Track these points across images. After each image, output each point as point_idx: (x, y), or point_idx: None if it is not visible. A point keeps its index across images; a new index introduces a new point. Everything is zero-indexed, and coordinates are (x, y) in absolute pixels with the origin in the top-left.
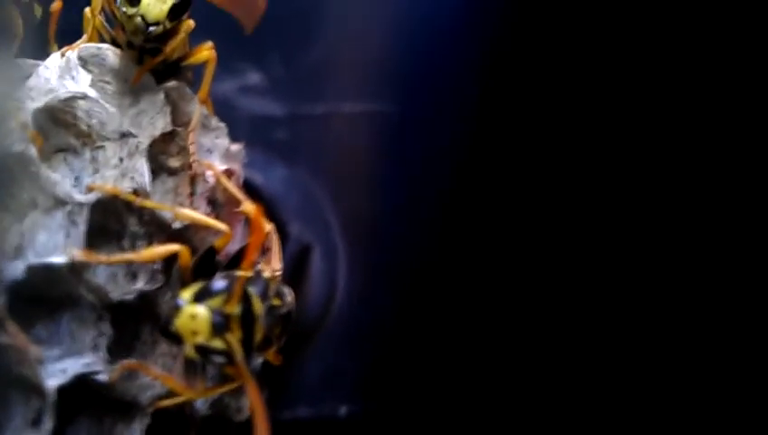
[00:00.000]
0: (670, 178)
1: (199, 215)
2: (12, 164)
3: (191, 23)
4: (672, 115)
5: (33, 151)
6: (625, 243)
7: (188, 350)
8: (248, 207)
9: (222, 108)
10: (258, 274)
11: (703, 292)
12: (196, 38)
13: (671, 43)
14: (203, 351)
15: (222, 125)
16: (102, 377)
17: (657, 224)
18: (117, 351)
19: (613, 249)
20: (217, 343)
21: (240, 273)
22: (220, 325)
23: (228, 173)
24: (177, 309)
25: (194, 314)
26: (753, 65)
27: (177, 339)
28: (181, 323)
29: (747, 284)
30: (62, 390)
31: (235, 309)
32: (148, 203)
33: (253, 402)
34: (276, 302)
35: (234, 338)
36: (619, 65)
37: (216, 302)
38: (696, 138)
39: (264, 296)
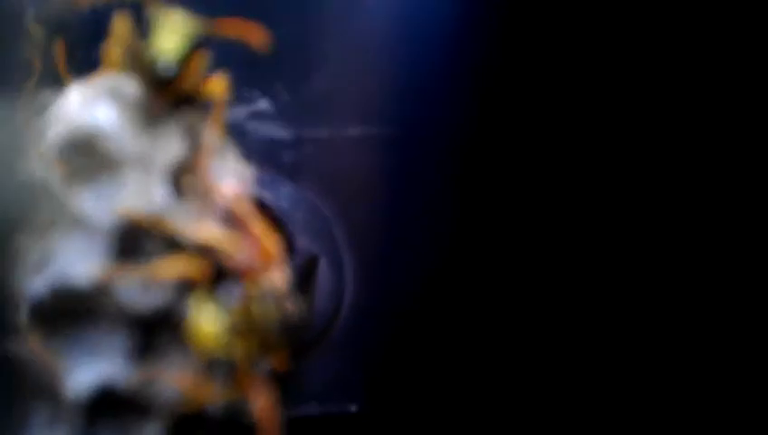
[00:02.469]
0: (670, 191)
1: (216, 235)
2: (34, 191)
3: (204, 59)
4: (668, 121)
5: (54, 178)
6: (627, 262)
7: (200, 360)
8: (257, 226)
9: (232, 133)
10: (268, 286)
11: (707, 294)
12: (209, 71)
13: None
14: (214, 359)
15: (234, 151)
16: (122, 386)
17: (655, 242)
18: (136, 360)
19: (617, 265)
20: (227, 352)
21: (248, 284)
22: (230, 336)
23: (240, 195)
24: (189, 320)
25: (204, 325)
26: (752, 65)
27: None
28: (192, 334)
29: (747, 283)
30: (83, 400)
31: (244, 320)
32: (166, 227)
33: (262, 409)
34: (284, 312)
35: (242, 347)
36: (616, 76)
37: (225, 314)
38: (687, 135)
39: (272, 307)
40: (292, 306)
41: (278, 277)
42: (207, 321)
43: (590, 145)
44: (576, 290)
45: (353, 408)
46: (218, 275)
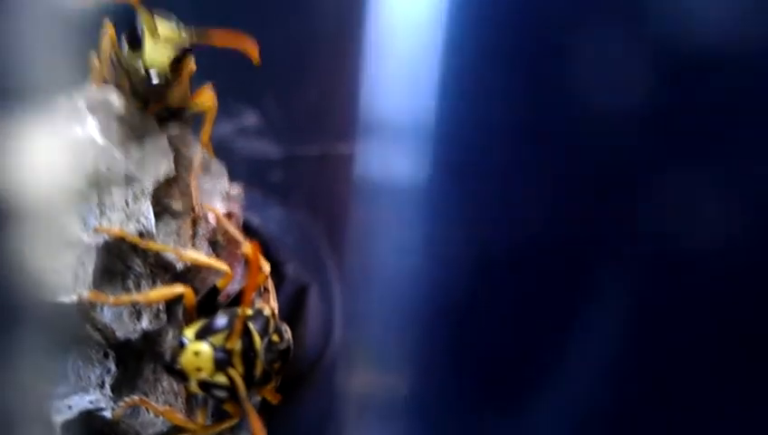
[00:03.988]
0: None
1: (202, 256)
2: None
3: (192, 65)
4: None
5: (43, 196)
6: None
7: (193, 386)
8: (247, 248)
9: (219, 149)
10: (259, 311)
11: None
12: (195, 81)
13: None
14: (206, 386)
15: (222, 168)
16: (107, 414)
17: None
18: (121, 388)
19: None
20: (220, 378)
21: (240, 310)
22: (223, 361)
23: (228, 215)
24: (181, 347)
25: (197, 350)
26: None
27: (182, 376)
28: (185, 359)
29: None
30: (68, 425)
31: (236, 345)
32: (153, 245)
33: (255, 431)
34: (275, 338)
35: (236, 373)
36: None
37: (218, 339)
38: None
39: (264, 332)
40: (284, 332)
41: (269, 301)
42: (197, 347)
43: (592, 153)
44: (581, 306)
45: None
46: (209, 300)
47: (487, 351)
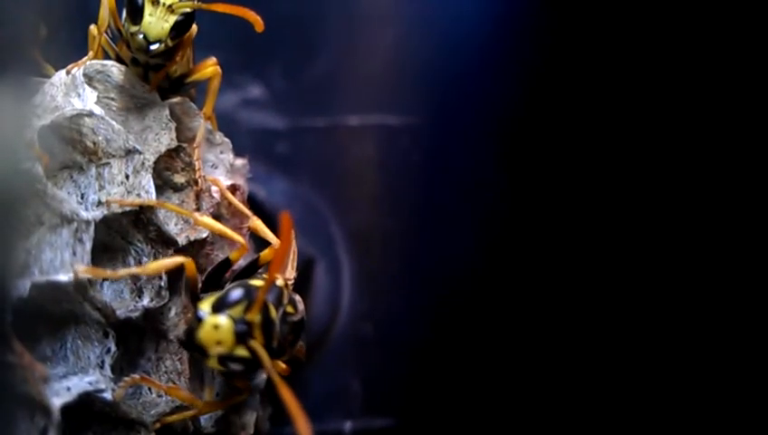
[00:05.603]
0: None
1: (218, 224)
2: (18, 181)
3: (193, 28)
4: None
5: (38, 169)
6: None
7: (212, 361)
8: (253, 222)
9: (223, 121)
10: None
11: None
12: (198, 52)
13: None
14: (226, 360)
15: (226, 140)
16: (107, 395)
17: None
18: (121, 368)
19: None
20: (241, 352)
21: (255, 282)
22: (244, 333)
23: (233, 188)
24: (199, 321)
25: (216, 324)
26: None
27: (201, 351)
28: (204, 334)
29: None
30: (67, 408)
31: (256, 317)
32: (170, 205)
33: (286, 400)
34: (290, 309)
35: (258, 345)
36: (648, 78)
37: (236, 311)
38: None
39: (279, 304)
40: (298, 304)
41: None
42: (216, 320)
43: (605, 148)
44: (579, 295)
45: (348, 426)
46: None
47: (494, 328)
